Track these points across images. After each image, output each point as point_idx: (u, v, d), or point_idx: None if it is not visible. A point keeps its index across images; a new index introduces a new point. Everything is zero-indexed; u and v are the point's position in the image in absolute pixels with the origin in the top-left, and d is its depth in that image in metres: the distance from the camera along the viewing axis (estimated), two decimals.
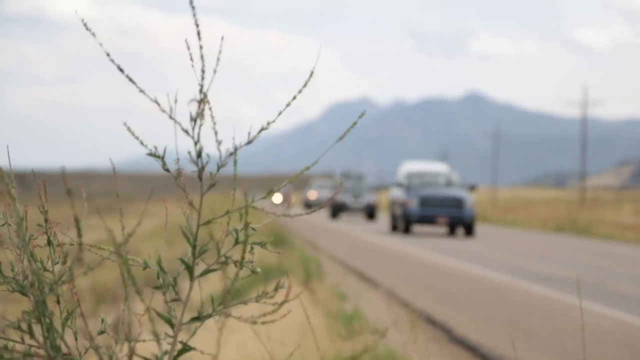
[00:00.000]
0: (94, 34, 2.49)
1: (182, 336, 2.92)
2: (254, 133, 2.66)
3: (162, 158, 2.63)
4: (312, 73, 2.60)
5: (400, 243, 29.39)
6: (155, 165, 2.85)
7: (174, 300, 3.04)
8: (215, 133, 2.56)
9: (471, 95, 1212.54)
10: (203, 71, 2.55)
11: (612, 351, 9.60)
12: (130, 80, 2.63)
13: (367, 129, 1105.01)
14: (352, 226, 44.41)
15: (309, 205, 69.30)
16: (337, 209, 54.43)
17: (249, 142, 2.66)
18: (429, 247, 27.50)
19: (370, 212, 53.78)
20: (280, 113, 2.66)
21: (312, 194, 68.26)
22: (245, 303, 2.87)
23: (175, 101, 2.52)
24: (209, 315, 2.85)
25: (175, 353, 2.79)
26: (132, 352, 2.66)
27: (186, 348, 2.84)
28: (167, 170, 2.73)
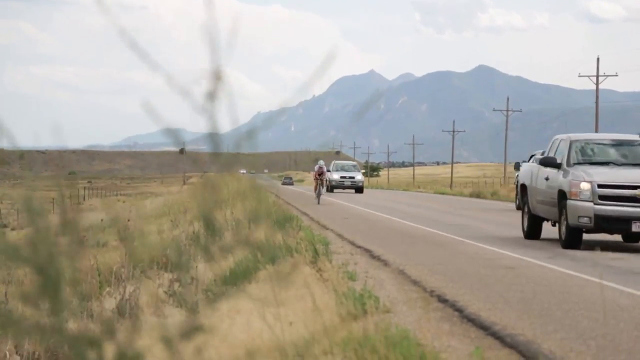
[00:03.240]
0: None
1: (189, 315, 2.83)
2: (262, 111, 2.55)
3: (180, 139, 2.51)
4: None
5: None
6: (157, 143, 2.74)
7: (178, 280, 2.95)
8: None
9: (481, 68, 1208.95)
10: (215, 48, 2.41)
11: (628, 328, 9.49)
12: (143, 57, 2.51)
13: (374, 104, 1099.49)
14: None
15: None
16: None
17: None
18: None
19: None
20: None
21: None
22: (250, 282, 2.77)
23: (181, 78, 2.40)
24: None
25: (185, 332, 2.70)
26: (134, 330, 2.57)
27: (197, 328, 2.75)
28: (182, 151, 2.63)
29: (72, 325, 2.52)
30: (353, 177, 61.17)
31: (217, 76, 2.32)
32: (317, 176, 43.54)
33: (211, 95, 2.33)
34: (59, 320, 2.38)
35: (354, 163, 65.66)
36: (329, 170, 57.53)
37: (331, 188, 59.07)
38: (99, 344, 2.37)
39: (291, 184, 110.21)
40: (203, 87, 2.33)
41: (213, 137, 2.38)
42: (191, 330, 2.51)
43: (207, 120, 2.34)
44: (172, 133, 2.42)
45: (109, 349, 2.34)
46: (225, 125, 2.42)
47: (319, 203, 41.19)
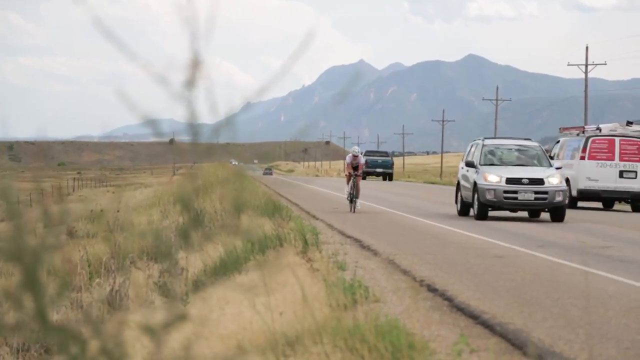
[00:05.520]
0: None
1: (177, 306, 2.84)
2: (247, 99, 2.55)
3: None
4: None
5: None
6: (147, 134, 2.74)
7: (169, 270, 2.96)
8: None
9: (470, 57, 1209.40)
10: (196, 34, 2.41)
11: (617, 316, 9.54)
12: (121, 47, 2.51)
13: (363, 94, 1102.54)
14: None
15: None
16: None
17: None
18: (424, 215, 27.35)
19: None
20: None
21: None
22: (240, 272, 2.78)
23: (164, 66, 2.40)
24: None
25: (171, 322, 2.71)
26: (122, 322, 2.57)
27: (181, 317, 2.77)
28: (172, 141, 2.63)
29: (58, 317, 2.53)
30: (540, 181, 25.56)
31: (195, 64, 2.31)
32: (350, 171, 28.32)
33: (189, 83, 2.32)
34: (42, 315, 2.38)
35: (533, 143, 28.30)
36: (471, 166, 26.66)
37: (481, 208, 25.50)
38: (83, 339, 2.37)
39: (270, 174, 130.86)
40: (182, 75, 2.32)
41: (192, 126, 2.38)
42: (175, 320, 2.52)
43: (186, 109, 2.34)
44: (152, 123, 2.41)
45: (94, 342, 2.34)
46: (212, 115, 2.42)
47: (353, 211, 27.40)
